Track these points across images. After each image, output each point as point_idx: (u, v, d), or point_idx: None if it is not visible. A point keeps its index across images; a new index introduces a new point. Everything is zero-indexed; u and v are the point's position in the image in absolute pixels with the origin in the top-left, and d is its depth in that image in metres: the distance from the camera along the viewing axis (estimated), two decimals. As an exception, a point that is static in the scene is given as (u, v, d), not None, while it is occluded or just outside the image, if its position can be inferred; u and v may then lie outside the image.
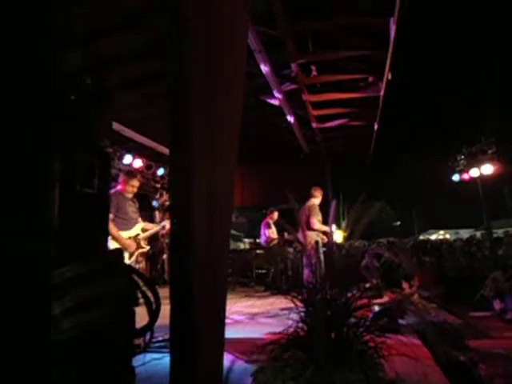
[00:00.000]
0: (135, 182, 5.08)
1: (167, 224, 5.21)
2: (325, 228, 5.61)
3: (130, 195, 5.03)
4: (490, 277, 6.93)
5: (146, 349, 1.56)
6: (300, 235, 5.86)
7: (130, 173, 5.59)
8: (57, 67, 1.80)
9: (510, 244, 11.90)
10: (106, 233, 2.18)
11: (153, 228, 5.31)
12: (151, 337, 1.54)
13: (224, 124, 1.95)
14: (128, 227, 4.88)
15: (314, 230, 5.74)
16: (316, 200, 6.24)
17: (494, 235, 17.22)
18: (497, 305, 6.53)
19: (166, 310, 1.69)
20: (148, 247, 5.28)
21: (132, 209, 5.02)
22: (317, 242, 5.34)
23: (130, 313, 1.41)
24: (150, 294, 1.53)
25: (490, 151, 11.69)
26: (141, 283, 1.57)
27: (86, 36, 4.87)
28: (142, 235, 5.10)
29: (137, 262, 5.13)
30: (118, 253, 1.71)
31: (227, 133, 1.98)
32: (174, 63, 2.04)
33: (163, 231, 5.22)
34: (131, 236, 4.92)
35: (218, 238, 1.82)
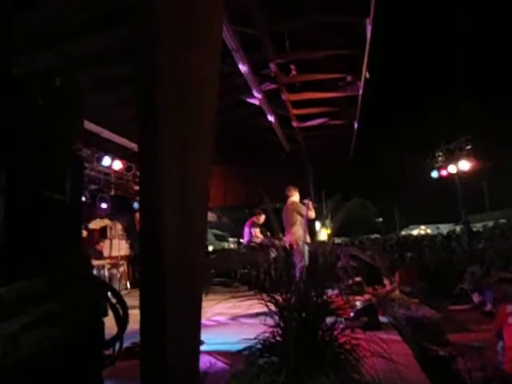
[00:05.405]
0: None
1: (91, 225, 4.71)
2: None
3: None
4: (469, 271, 7.07)
5: (116, 359, 1.52)
6: (286, 236, 5.85)
7: None
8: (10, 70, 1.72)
9: (488, 238, 12.17)
10: (79, 239, 2.12)
11: None
12: (120, 347, 1.50)
13: (196, 119, 1.91)
14: None
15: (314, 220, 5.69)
16: (295, 198, 6.10)
17: (474, 229, 17.60)
18: (476, 298, 6.66)
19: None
20: None
21: None
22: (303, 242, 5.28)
23: (97, 324, 1.37)
24: (115, 302, 1.49)
25: (466, 148, 11.94)
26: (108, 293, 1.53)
27: (58, 37, 4.74)
28: None
29: None
30: (86, 264, 1.66)
31: (199, 127, 1.94)
32: (146, 60, 2.00)
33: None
34: None
35: (191, 234, 1.77)
